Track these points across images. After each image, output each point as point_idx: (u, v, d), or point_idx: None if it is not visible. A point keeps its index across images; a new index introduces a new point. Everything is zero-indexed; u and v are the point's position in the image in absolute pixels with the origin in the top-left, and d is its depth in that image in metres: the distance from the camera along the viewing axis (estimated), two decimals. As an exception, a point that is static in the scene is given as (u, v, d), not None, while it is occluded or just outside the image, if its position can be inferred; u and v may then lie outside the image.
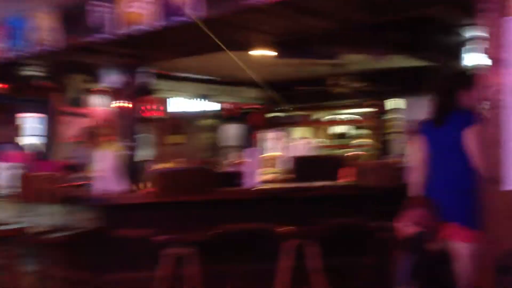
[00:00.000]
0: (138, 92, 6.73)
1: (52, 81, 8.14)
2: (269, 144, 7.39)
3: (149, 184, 5.23)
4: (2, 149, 5.57)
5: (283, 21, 4.53)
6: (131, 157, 5.95)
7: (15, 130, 6.43)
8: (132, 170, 5.59)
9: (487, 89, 2.50)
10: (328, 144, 10.89)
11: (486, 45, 2.52)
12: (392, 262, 3.88)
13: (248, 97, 10.33)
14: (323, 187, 4.49)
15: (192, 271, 3.91)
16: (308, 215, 4.26)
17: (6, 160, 5.25)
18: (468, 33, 6.76)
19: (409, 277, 3.01)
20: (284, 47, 6.48)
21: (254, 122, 10.40)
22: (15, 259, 4.45)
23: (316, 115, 11.15)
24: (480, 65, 2.61)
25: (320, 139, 10.68)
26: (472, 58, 7.17)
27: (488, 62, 2.52)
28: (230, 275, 4.42)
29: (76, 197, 4.51)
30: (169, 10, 4.25)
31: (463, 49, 7.06)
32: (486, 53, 2.53)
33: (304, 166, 4.48)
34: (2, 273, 4.67)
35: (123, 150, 5.77)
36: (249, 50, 6.61)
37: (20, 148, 6.12)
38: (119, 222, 4.44)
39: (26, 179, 4.39)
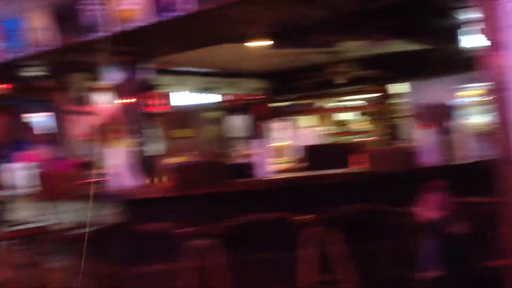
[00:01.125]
0: (140, 88, 6.75)
1: (54, 81, 8.14)
2: (275, 134, 7.44)
3: (162, 178, 5.28)
4: (16, 149, 5.61)
5: (277, 12, 4.55)
6: (141, 152, 5.99)
7: (25, 130, 6.46)
8: (144, 165, 5.63)
9: (489, 71, 2.54)
10: (335, 131, 10.94)
11: (482, 27, 2.56)
12: (413, 247, 3.95)
13: (250, 88, 10.37)
14: (338, 174, 4.55)
15: (214, 263, 3.98)
16: (323, 202, 4.32)
17: (21, 160, 5.29)
18: (464, 15, 6.82)
19: (434, 261, 3.08)
20: (280, 37, 6.51)
21: (258, 113, 10.43)
22: (42, 256, 4.50)
23: (319, 103, 11.19)
24: (479, 47, 2.65)
25: (326, 127, 10.72)
26: (470, 41, 7.23)
27: (487, 44, 2.56)
28: (253, 265, 4.48)
29: (94, 194, 4.56)
30: (161, 5, 4.27)
31: (459, 31, 7.12)
32: (483, 35, 2.57)
33: (315, 154, 4.54)
34: (30, 270, 4.75)
35: (133, 146, 5.80)
36: (247, 42, 6.64)
37: (34, 147, 6.14)
38: (139, 216, 4.50)
39: (43, 178, 4.43)
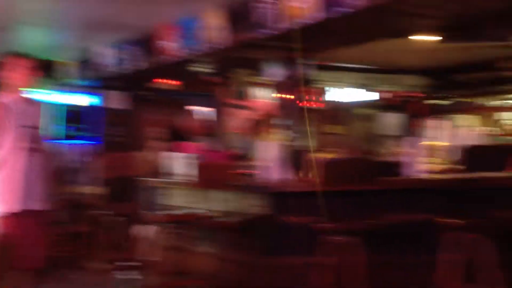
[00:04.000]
0: (299, 84, 6.87)
1: (218, 76, 8.68)
2: (430, 132, 7.11)
3: (310, 173, 5.35)
4: (178, 140, 6.08)
5: (451, 4, 4.31)
6: (292, 147, 6.13)
7: (199, 124, 6.98)
8: (294, 159, 5.76)
9: None
10: (496, 132, 10.14)
11: None
12: None
13: (408, 84, 10.01)
14: (499, 178, 4.20)
15: (352, 260, 3.95)
16: (476, 207, 4.06)
17: (181, 150, 5.73)
18: None
19: None
20: (450, 31, 6.18)
21: (415, 111, 10.04)
22: (191, 241, 4.85)
23: (481, 102, 10.43)
24: None
25: (487, 127, 9.97)
26: None
27: None
28: (392, 266, 4.37)
29: (245, 185, 4.78)
30: (330, 2, 4.28)
31: None
32: None
33: (473, 155, 4.25)
34: (179, 253, 5.16)
35: (285, 141, 5.97)
36: (411, 36, 6.41)
37: (194, 139, 6.61)
38: (284, 209, 4.61)
39: (201, 168, 4.76)
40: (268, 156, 5.04)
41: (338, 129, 10.22)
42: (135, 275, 5.33)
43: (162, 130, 6.92)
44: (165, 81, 8.48)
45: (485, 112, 10.42)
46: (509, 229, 3.80)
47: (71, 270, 6.92)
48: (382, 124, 10.35)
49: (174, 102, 9.17)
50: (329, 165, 4.35)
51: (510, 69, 8.50)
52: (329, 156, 6.49)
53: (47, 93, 7.73)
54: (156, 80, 8.26)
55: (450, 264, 3.80)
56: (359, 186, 4.37)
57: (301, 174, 5.54)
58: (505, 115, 10.52)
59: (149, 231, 6.08)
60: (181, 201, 5.51)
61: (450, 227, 3.86)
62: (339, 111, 10.30)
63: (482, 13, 4.66)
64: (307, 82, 7.82)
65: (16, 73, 3.87)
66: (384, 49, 7.90)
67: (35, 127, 3.93)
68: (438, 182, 4.55)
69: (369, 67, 9.73)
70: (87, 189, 7.68)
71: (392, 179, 4.74)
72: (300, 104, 7.52)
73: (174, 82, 8.84)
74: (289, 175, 5.01)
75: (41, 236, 3.94)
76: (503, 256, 3.69)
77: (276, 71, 6.40)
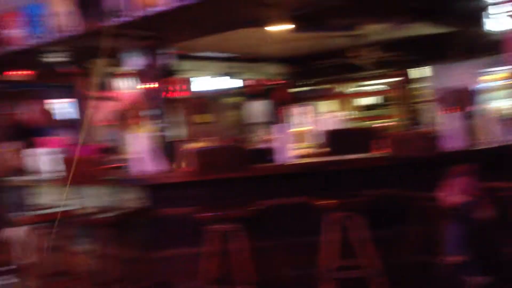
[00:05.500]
0: (162, 74, 6.77)
1: (76, 66, 8.21)
2: (295, 119, 7.40)
3: (183, 163, 5.31)
4: (40, 135, 5.69)
5: None
6: (162, 137, 6.02)
7: (48, 116, 6.55)
8: (165, 150, 5.66)
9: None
10: (356, 116, 10.88)
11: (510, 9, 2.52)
12: (437, 232, 3.92)
13: (271, 73, 10.33)
14: (360, 159, 4.52)
15: (236, 247, 4.00)
16: (345, 187, 4.31)
17: (45, 145, 5.36)
18: (490, -3, 6.70)
19: (458, 246, 3.06)
20: (301, 21, 6.46)
21: (278, 98, 10.41)
22: (66, 240, 4.58)
23: (340, 88, 11.12)
24: (505, 30, 2.60)
25: (347, 112, 10.65)
26: (495, 23, 7.09)
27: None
28: (274, 250, 4.51)
29: (117, 179, 4.62)
30: None
31: (484, 14, 6.98)
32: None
33: (337, 139, 4.51)
34: (55, 254, 4.85)
35: (154, 131, 5.84)
36: (267, 26, 6.60)
37: (56, 133, 6.21)
38: (161, 201, 4.55)
39: (67, 163, 4.50)
40: (139, 148, 4.89)
41: (207, 118, 10.27)
42: (11, 279, 4.90)
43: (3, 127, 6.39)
44: (15, 72, 7.81)
45: (343, 98, 11.13)
46: (377, 206, 4.09)
47: None
48: (250, 112, 10.58)
49: (27, 94, 8.51)
50: (202, 154, 4.35)
51: (359, 57, 9.15)
52: (200, 145, 6.49)
53: None
54: (6, 72, 7.58)
55: (329, 244, 4.00)
56: (234, 173, 4.43)
57: (174, 165, 5.48)
58: (362, 100, 11.34)
59: (20, 233, 5.62)
60: (52, 199, 5.16)
61: (324, 208, 4.07)
62: (206, 100, 10.34)
63: (329, 4, 4.93)
64: (170, 71, 7.74)
65: None
66: (244, 38, 8.07)
67: None
68: (308, 165, 4.75)
69: (231, 56, 9.85)
70: None
71: (265, 165, 4.85)
72: (165, 94, 7.42)
73: (25, 73, 8.17)
74: (163, 167, 4.91)
75: None
76: (373, 232, 3.97)
77: (136, 61, 6.22)
